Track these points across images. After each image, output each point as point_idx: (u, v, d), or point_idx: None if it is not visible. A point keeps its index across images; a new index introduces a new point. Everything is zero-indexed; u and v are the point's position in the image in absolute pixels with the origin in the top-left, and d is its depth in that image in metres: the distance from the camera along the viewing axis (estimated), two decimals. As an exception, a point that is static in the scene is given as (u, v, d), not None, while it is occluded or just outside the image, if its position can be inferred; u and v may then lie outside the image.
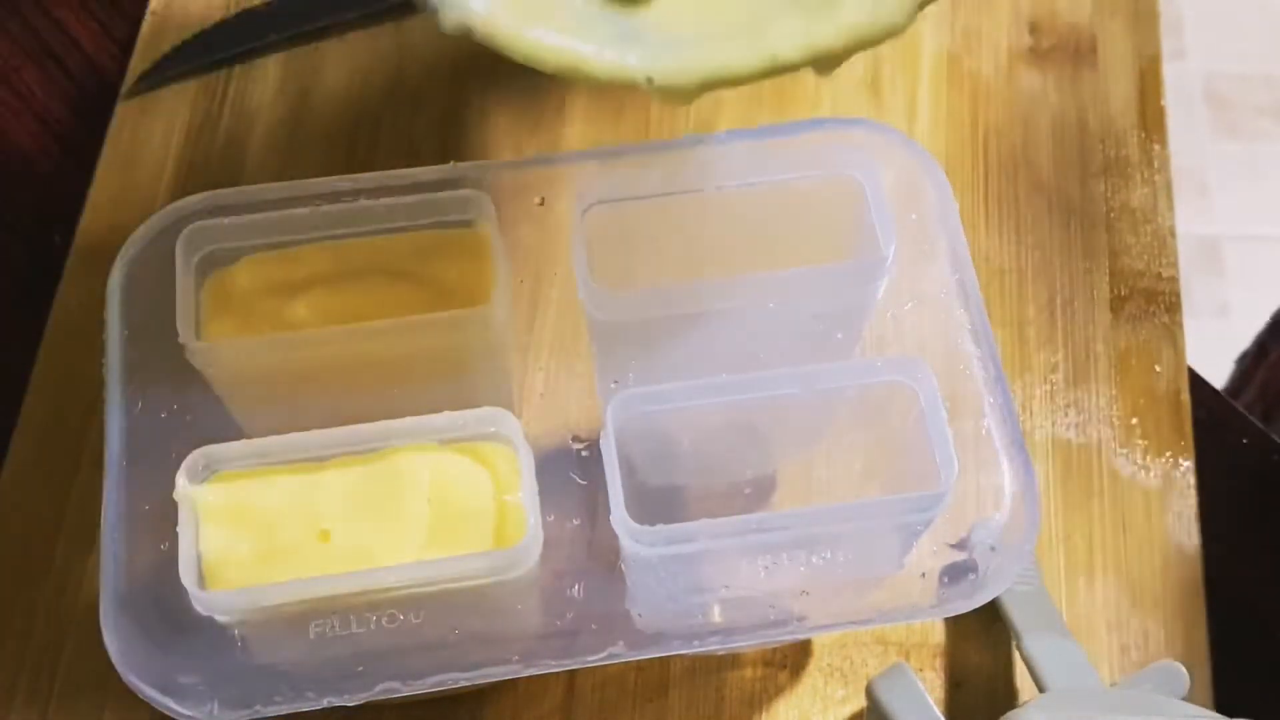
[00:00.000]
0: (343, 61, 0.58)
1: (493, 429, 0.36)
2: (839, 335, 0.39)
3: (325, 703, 0.35)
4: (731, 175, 0.38)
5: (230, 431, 0.39)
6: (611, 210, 0.39)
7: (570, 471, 0.37)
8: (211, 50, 0.58)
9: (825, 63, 0.33)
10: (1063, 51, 0.57)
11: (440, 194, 0.38)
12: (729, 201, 0.38)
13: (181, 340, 0.36)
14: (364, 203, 0.39)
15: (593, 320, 0.38)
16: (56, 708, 0.45)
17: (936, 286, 0.39)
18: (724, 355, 0.37)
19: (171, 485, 0.35)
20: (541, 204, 0.39)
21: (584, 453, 0.37)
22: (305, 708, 0.35)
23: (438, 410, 0.36)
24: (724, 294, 0.37)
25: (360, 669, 0.35)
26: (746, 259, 0.38)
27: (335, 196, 0.39)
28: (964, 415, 0.38)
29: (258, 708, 0.35)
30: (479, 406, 0.36)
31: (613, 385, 0.37)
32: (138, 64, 0.58)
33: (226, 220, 0.38)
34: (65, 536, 0.48)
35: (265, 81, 0.57)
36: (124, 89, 0.57)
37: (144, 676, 0.34)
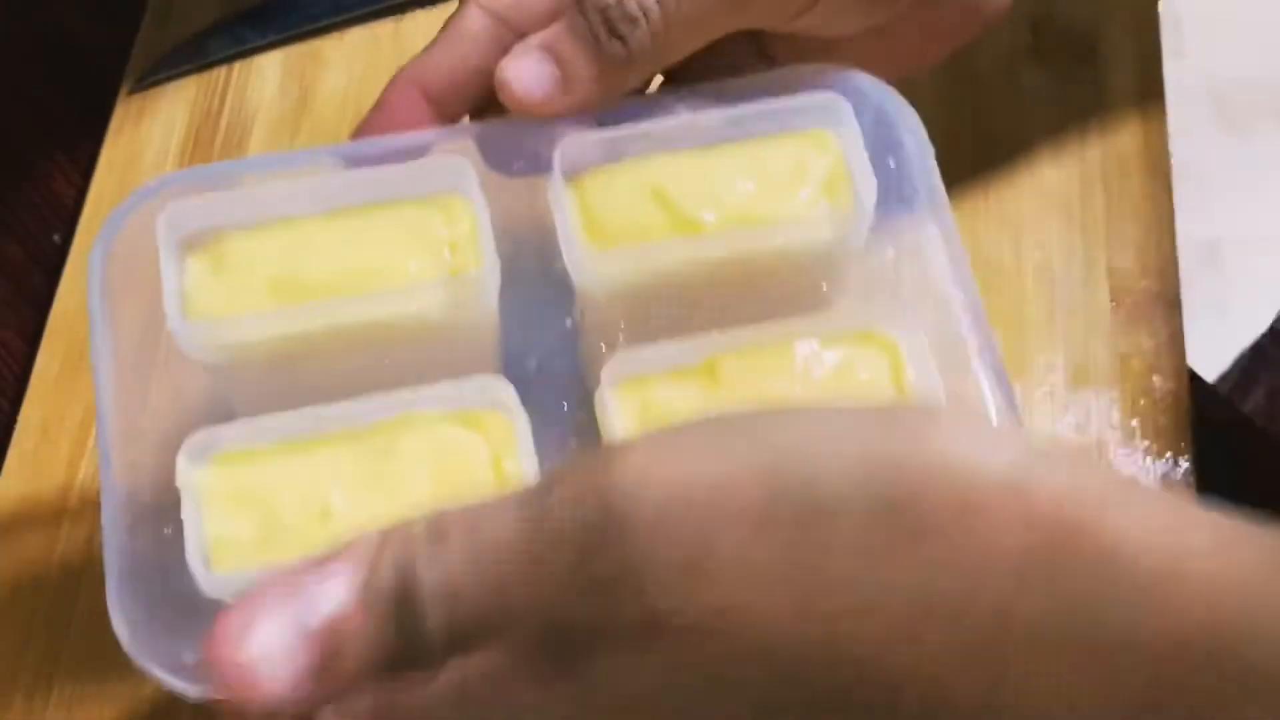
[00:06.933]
0: (343, 61, 0.58)
1: (489, 397, 0.36)
2: (823, 287, 0.39)
3: None
4: (702, 132, 0.38)
5: (224, 411, 0.38)
6: (592, 175, 0.38)
7: (567, 436, 0.37)
8: (211, 49, 0.58)
9: None
10: (1063, 51, 0.57)
11: (422, 161, 0.38)
12: (703, 159, 0.38)
13: (169, 323, 0.36)
14: (348, 172, 0.38)
15: (579, 285, 0.37)
16: (55, 708, 0.45)
17: (918, 234, 0.39)
18: (711, 312, 0.37)
19: (170, 469, 0.35)
20: (523, 168, 0.39)
21: (579, 416, 0.37)
22: None
23: (433, 380, 0.36)
24: (706, 250, 0.37)
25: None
26: (724, 216, 0.37)
27: (318, 167, 0.38)
28: (955, 371, 0.37)
29: None
30: (474, 375, 0.36)
31: (602, 348, 0.37)
32: (137, 63, 0.58)
33: (207, 196, 0.37)
34: (65, 537, 0.48)
35: (265, 80, 0.57)
36: (123, 88, 0.57)
37: (153, 658, 0.34)
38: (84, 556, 0.47)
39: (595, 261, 0.36)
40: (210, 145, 0.55)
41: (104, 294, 0.37)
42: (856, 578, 0.23)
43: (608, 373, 0.36)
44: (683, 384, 0.36)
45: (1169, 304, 0.52)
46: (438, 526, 0.26)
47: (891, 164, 0.39)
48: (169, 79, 0.57)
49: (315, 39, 0.58)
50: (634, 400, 0.36)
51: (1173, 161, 0.54)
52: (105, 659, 0.46)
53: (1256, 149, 1.22)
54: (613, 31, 0.36)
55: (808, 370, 0.36)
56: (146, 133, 0.56)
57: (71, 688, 0.45)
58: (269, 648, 0.26)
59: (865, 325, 0.37)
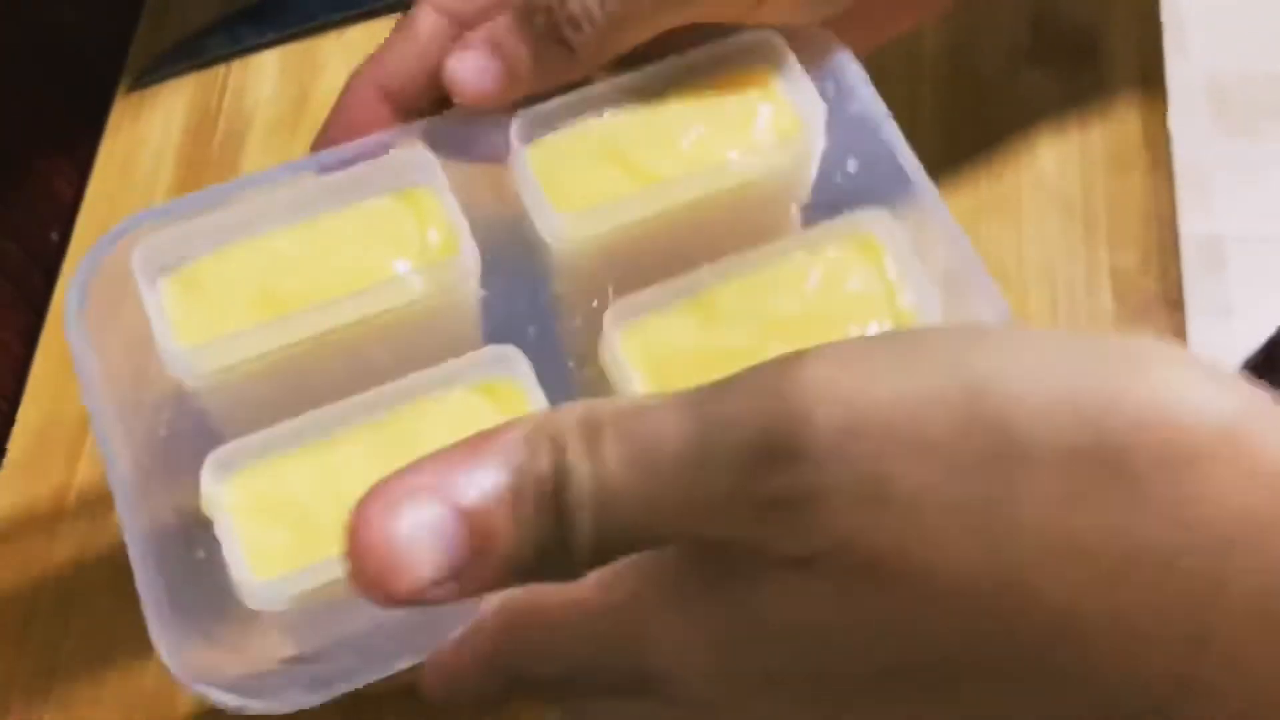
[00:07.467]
0: (341, 59, 0.58)
1: (497, 366, 0.36)
2: (794, 210, 0.39)
3: (396, 668, 0.34)
4: (646, 88, 0.39)
5: (226, 430, 0.38)
6: (550, 143, 0.38)
7: (578, 393, 0.37)
8: (209, 48, 0.58)
9: None
10: (1064, 49, 0.57)
11: (383, 158, 0.38)
12: (651, 111, 0.39)
13: (161, 353, 0.36)
14: (309, 180, 0.38)
15: (556, 249, 0.38)
16: (53, 707, 0.45)
17: (874, 147, 0.39)
18: (694, 251, 0.37)
19: (188, 493, 0.34)
20: (482, 154, 0.39)
21: (586, 371, 0.37)
22: (374, 677, 0.34)
23: (424, 367, 0.36)
24: (671, 197, 0.37)
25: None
26: (680, 163, 0.38)
27: (278, 183, 0.38)
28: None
29: (337, 685, 0.34)
30: (470, 351, 0.36)
31: (593, 305, 0.37)
32: (135, 61, 0.58)
33: (178, 226, 0.37)
34: (62, 537, 0.48)
35: (263, 79, 0.57)
36: (121, 87, 0.57)
37: (211, 680, 0.33)
38: (81, 557, 0.47)
39: (566, 223, 0.37)
40: (208, 144, 0.55)
41: (85, 335, 0.36)
42: (1056, 523, 0.21)
43: (609, 320, 0.36)
44: (683, 320, 0.36)
45: (1172, 304, 0.52)
46: (591, 422, 0.24)
47: (831, 88, 0.39)
48: (167, 78, 0.57)
49: (313, 38, 0.58)
50: (638, 343, 0.36)
51: (1175, 161, 0.54)
52: (103, 659, 0.46)
53: (1260, 147, 1.22)
54: (556, 35, 0.36)
55: (798, 284, 0.36)
56: (145, 132, 0.56)
57: (70, 688, 0.45)
58: (419, 529, 0.24)
59: (842, 225, 0.37)
